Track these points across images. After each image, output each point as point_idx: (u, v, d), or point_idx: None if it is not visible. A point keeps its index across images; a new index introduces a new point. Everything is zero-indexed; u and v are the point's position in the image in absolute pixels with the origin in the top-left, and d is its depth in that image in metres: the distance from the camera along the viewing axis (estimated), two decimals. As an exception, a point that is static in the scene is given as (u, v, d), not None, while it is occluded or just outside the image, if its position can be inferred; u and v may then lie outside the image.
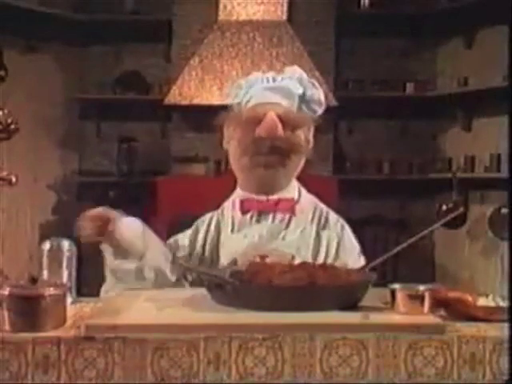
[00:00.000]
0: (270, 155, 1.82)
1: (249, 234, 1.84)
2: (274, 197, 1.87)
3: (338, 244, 1.86)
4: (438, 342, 1.24)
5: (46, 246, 1.57)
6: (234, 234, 1.87)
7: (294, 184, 1.94)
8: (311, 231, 1.86)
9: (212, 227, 1.90)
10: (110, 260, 1.75)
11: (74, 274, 1.58)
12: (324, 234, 1.87)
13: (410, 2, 4.66)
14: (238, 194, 1.92)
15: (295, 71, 1.94)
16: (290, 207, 1.87)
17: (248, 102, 1.90)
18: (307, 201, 1.93)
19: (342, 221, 1.93)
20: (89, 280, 1.73)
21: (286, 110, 1.86)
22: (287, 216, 1.86)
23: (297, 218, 1.87)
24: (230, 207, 1.92)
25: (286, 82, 1.91)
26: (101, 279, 1.82)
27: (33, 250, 4.62)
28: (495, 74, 4.30)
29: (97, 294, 1.76)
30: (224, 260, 1.81)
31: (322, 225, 1.89)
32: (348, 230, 1.92)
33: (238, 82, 1.94)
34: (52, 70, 4.77)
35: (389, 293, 1.38)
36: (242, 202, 1.88)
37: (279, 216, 1.86)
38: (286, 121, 1.82)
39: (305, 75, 1.94)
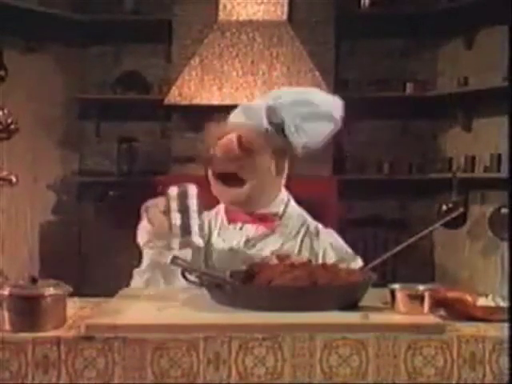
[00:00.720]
0: (228, 185, 1.82)
1: (227, 240, 1.86)
2: (260, 211, 1.86)
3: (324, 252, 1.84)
4: (438, 342, 1.24)
5: (174, 191, 1.64)
6: (219, 237, 1.88)
7: (282, 197, 1.91)
8: (294, 246, 1.84)
9: (206, 227, 1.91)
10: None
11: (198, 217, 1.60)
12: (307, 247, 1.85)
13: (410, 2, 4.66)
14: (222, 206, 1.95)
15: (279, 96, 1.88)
16: (270, 224, 1.86)
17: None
18: (294, 216, 1.90)
19: (333, 235, 1.90)
20: (90, 280, 1.73)
21: (249, 131, 1.82)
22: (268, 230, 1.86)
23: (278, 233, 1.85)
24: (222, 211, 1.93)
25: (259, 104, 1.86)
26: (103, 279, 1.82)
27: (33, 250, 4.63)
28: (495, 74, 4.30)
29: (100, 293, 1.75)
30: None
31: (309, 244, 1.86)
32: (339, 241, 1.88)
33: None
34: (52, 70, 4.77)
35: (389, 293, 1.38)
36: (227, 212, 1.90)
37: (262, 228, 1.86)
38: (245, 143, 1.79)
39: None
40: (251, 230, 1.86)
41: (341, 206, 4.15)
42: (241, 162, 1.80)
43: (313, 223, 1.91)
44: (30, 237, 4.63)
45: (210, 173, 1.89)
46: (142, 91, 4.89)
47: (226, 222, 1.89)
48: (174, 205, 1.60)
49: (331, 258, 1.81)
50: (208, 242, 1.87)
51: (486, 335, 1.26)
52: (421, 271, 4.62)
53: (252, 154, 1.81)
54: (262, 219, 1.86)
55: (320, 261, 1.80)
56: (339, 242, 1.88)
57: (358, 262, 1.80)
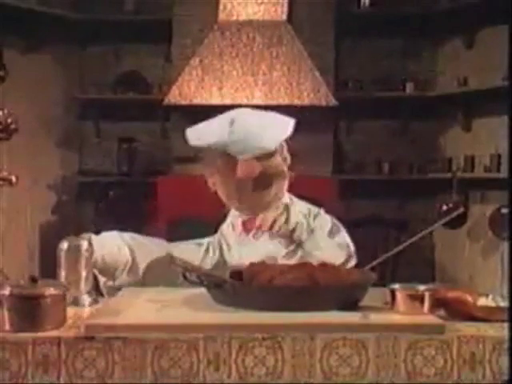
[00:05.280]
0: (255, 193, 1.90)
1: (256, 250, 1.89)
2: (264, 215, 1.92)
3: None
4: (438, 342, 1.24)
5: (64, 245, 1.55)
6: (240, 252, 1.93)
7: (285, 197, 2.00)
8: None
9: (215, 251, 1.97)
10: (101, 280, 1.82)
11: (91, 274, 1.57)
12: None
13: (409, 2, 4.66)
14: (236, 214, 2.01)
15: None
16: (264, 225, 1.91)
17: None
18: (300, 208, 1.99)
19: (332, 221, 1.96)
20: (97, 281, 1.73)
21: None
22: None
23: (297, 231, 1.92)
24: (231, 228, 2.01)
25: (242, 126, 1.91)
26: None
27: (33, 250, 4.62)
28: (495, 74, 4.29)
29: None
30: None
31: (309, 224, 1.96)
32: (340, 230, 1.95)
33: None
34: (52, 70, 4.77)
35: (389, 293, 1.38)
36: (243, 223, 1.97)
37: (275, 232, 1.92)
38: (258, 155, 1.89)
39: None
40: (267, 235, 1.92)
41: (341, 206, 4.15)
42: (268, 170, 1.91)
43: (316, 209, 2.00)
44: (30, 237, 4.63)
45: (224, 195, 1.96)
46: (142, 91, 4.88)
47: (242, 234, 1.96)
48: (63, 262, 1.56)
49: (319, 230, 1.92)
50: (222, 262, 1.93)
51: (486, 335, 1.26)
52: (421, 271, 4.61)
53: (269, 158, 1.92)
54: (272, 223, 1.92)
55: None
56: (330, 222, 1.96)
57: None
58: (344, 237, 1.93)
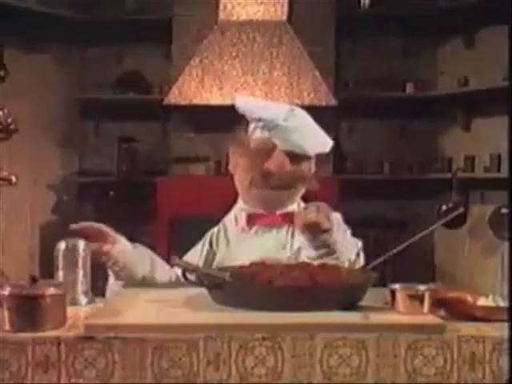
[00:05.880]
0: (276, 190, 1.89)
1: (255, 247, 1.88)
2: (277, 212, 1.93)
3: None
4: (438, 342, 1.24)
5: (62, 245, 1.56)
6: (239, 248, 1.90)
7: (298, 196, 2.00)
8: None
9: (213, 245, 1.95)
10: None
11: (89, 274, 1.57)
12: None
13: (410, 2, 4.66)
14: (241, 207, 1.98)
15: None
16: (290, 220, 1.91)
17: (256, 129, 1.92)
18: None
19: (341, 222, 1.96)
20: (97, 281, 1.72)
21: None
22: (290, 229, 1.92)
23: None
24: (233, 222, 1.97)
25: (299, 119, 1.91)
26: (103, 279, 1.82)
27: (33, 250, 4.62)
28: (495, 74, 4.29)
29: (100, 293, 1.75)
30: None
31: None
32: (346, 229, 1.95)
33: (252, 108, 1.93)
34: (52, 70, 4.77)
35: (389, 293, 1.38)
36: (248, 216, 1.93)
37: (283, 230, 1.92)
38: (292, 155, 1.87)
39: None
40: (273, 232, 1.92)
41: (341, 206, 4.14)
42: (295, 174, 1.90)
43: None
44: (30, 237, 4.63)
45: (244, 179, 1.93)
46: (142, 91, 4.88)
47: (246, 228, 1.93)
48: (60, 262, 1.56)
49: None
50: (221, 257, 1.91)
51: (486, 335, 1.26)
52: (421, 271, 4.61)
53: (299, 164, 1.90)
54: (286, 216, 1.92)
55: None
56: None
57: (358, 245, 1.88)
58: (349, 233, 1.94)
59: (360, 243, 1.89)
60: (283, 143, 1.85)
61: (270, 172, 1.86)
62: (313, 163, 1.97)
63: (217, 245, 1.95)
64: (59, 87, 4.82)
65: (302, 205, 1.99)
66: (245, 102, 1.95)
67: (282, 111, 1.89)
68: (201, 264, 1.87)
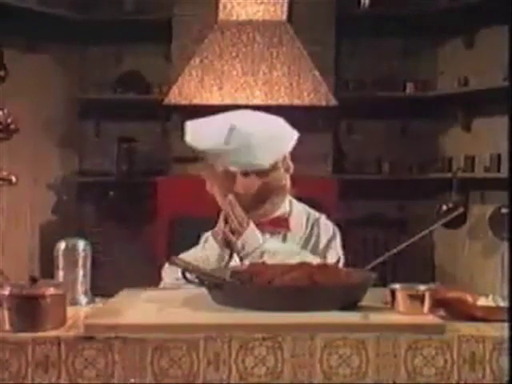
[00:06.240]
0: (255, 208, 1.89)
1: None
2: (267, 218, 1.93)
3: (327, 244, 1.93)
4: (438, 342, 1.24)
5: (62, 245, 1.55)
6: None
7: (286, 198, 1.99)
8: (304, 237, 1.94)
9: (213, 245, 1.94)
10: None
11: (89, 274, 1.57)
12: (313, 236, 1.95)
13: (410, 2, 4.66)
14: None
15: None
16: (285, 223, 1.93)
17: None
18: (299, 211, 2.00)
19: (333, 228, 1.96)
20: (90, 280, 1.72)
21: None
22: (282, 232, 1.93)
23: (292, 231, 1.93)
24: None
25: (241, 136, 1.87)
26: (103, 279, 1.82)
27: (33, 250, 4.62)
28: (495, 74, 4.29)
29: (100, 293, 1.75)
30: None
31: (315, 231, 1.97)
32: (337, 239, 1.96)
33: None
34: (52, 70, 4.77)
35: (389, 293, 1.38)
36: None
37: (275, 235, 1.93)
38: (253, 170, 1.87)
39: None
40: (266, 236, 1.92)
41: (341, 206, 4.15)
42: (267, 186, 1.89)
43: (316, 215, 2.00)
44: (30, 237, 4.63)
45: (222, 202, 1.93)
46: (142, 91, 4.88)
47: None
48: (60, 262, 1.56)
49: (324, 239, 1.94)
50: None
51: (486, 335, 1.26)
52: (421, 271, 4.61)
53: (271, 172, 1.89)
54: (276, 221, 1.93)
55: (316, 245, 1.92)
56: (335, 242, 1.97)
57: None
58: (336, 247, 1.95)
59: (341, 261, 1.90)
60: (234, 165, 1.86)
61: (241, 195, 1.87)
62: (288, 161, 1.95)
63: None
64: (59, 87, 4.82)
65: (296, 203, 2.00)
66: (191, 132, 1.99)
67: (222, 134, 1.86)
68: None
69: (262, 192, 1.88)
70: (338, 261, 1.86)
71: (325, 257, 1.89)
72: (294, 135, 1.93)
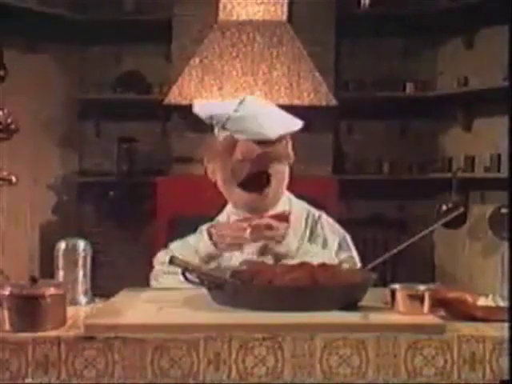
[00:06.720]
0: (255, 190, 1.87)
1: (246, 249, 1.86)
2: (268, 213, 1.90)
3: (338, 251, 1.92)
4: (438, 342, 1.24)
5: (62, 245, 1.55)
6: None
7: (284, 195, 1.98)
8: (305, 237, 1.92)
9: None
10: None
11: (89, 274, 1.57)
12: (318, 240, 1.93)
13: (410, 2, 4.66)
14: (231, 211, 1.98)
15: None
16: (285, 221, 1.89)
17: (219, 130, 1.92)
18: (299, 209, 1.98)
19: (338, 227, 1.96)
20: (90, 280, 1.72)
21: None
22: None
23: (292, 228, 1.90)
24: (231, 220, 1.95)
25: (251, 107, 1.91)
26: (104, 279, 1.82)
27: (33, 250, 4.62)
28: (495, 74, 4.29)
29: (100, 293, 1.75)
30: None
31: (320, 231, 1.95)
32: (347, 238, 1.95)
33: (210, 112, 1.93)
34: (52, 70, 4.77)
35: (389, 293, 1.38)
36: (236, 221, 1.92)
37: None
38: (260, 142, 1.86)
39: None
40: None
41: (341, 206, 4.15)
42: (268, 154, 1.87)
43: (316, 214, 1.99)
44: (30, 237, 4.63)
45: (222, 181, 1.92)
46: (142, 91, 4.88)
47: None
48: (60, 262, 1.56)
49: (333, 241, 1.92)
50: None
51: (486, 335, 1.26)
52: (421, 271, 4.61)
53: (272, 146, 1.87)
54: (275, 218, 1.88)
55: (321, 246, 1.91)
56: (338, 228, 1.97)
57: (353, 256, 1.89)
58: (350, 248, 1.94)
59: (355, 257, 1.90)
60: (240, 134, 1.85)
61: (240, 161, 1.85)
62: (289, 149, 1.95)
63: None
64: (59, 87, 4.82)
65: (295, 201, 1.99)
66: (199, 104, 1.97)
67: (233, 104, 1.90)
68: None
69: (262, 159, 1.86)
70: (355, 262, 1.86)
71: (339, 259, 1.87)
72: (298, 122, 1.94)
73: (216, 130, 1.94)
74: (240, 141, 1.85)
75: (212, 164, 1.94)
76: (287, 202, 1.97)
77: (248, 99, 1.92)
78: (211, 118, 1.90)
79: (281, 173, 1.92)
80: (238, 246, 1.81)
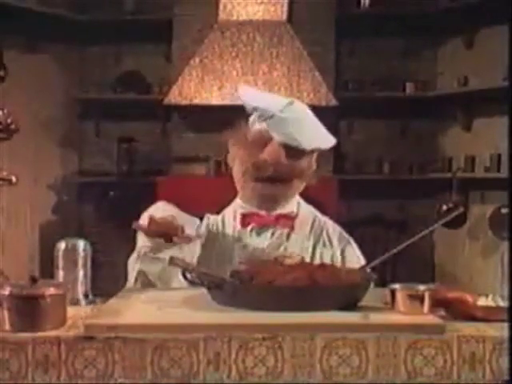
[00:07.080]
0: (271, 183, 1.85)
1: (249, 246, 1.86)
2: (275, 212, 1.90)
3: (342, 259, 1.90)
4: (438, 342, 1.24)
5: (62, 245, 1.55)
6: (234, 244, 1.88)
7: (294, 198, 1.96)
8: (309, 245, 1.90)
9: (212, 229, 1.92)
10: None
11: (89, 274, 1.57)
12: (326, 252, 1.91)
13: (409, 2, 4.66)
14: (239, 204, 1.95)
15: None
16: (290, 223, 1.90)
17: (256, 122, 1.89)
18: (306, 213, 1.96)
19: (344, 234, 1.96)
20: (96, 281, 1.72)
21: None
22: (286, 230, 1.90)
23: (296, 232, 1.90)
24: (231, 217, 1.94)
25: (297, 112, 1.89)
26: (104, 279, 1.82)
27: (33, 250, 4.63)
28: (495, 74, 4.30)
29: (100, 293, 1.75)
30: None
31: (322, 241, 1.93)
32: (353, 244, 1.94)
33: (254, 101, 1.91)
34: (52, 69, 4.77)
35: (389, 293, 1.38)
36: (243, 216, 1.91)
37: (279, 231, 1.90)
38: (290, 149, 1.83)
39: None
40: (269, 233, 1.89)
41: (341, 206, 4.15)
42: (291, 167, 1.85)
43: (322, 220, 1.97)
44: (30, 237, 4.63)
45: (240, 172, 1.90)
46: (142, 91, 4.88)
47: (239, 227, 1.90)
48: (60, 262, 1.55)
49: (338, 246, 1.91)
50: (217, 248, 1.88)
51: (486, 335, 1.25)
52: (421, 271, 4.62)
53: (298, 159, 1.86)
54: (282, 218, 1.89)
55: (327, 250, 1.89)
56: (351, 247, 1.94)
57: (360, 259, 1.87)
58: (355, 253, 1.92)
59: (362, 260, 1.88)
60: (278, 135, 1.82)
61: (265, 162, 1.83)
62: (314, 160, 1.94)
63: (216, 230, 1.93)
64: (59, 87, 4.83)
65: (304, 205, 1.98)
66: (247, 91, 1.95)
67: (280, 103, 1.86)
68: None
69: (286, 171, 1.84)
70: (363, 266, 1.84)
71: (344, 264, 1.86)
72: (333, 140, 1.96)
73: (252, 118, 1.90)
74: (272, 141, 1.83)
75: (235, 149, 1.92)
76: (296, 204, 1.95)
77: (296, 103, 1.88)
78: (255, 108, 1.87)
79: (298, 188, 1.92)
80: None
